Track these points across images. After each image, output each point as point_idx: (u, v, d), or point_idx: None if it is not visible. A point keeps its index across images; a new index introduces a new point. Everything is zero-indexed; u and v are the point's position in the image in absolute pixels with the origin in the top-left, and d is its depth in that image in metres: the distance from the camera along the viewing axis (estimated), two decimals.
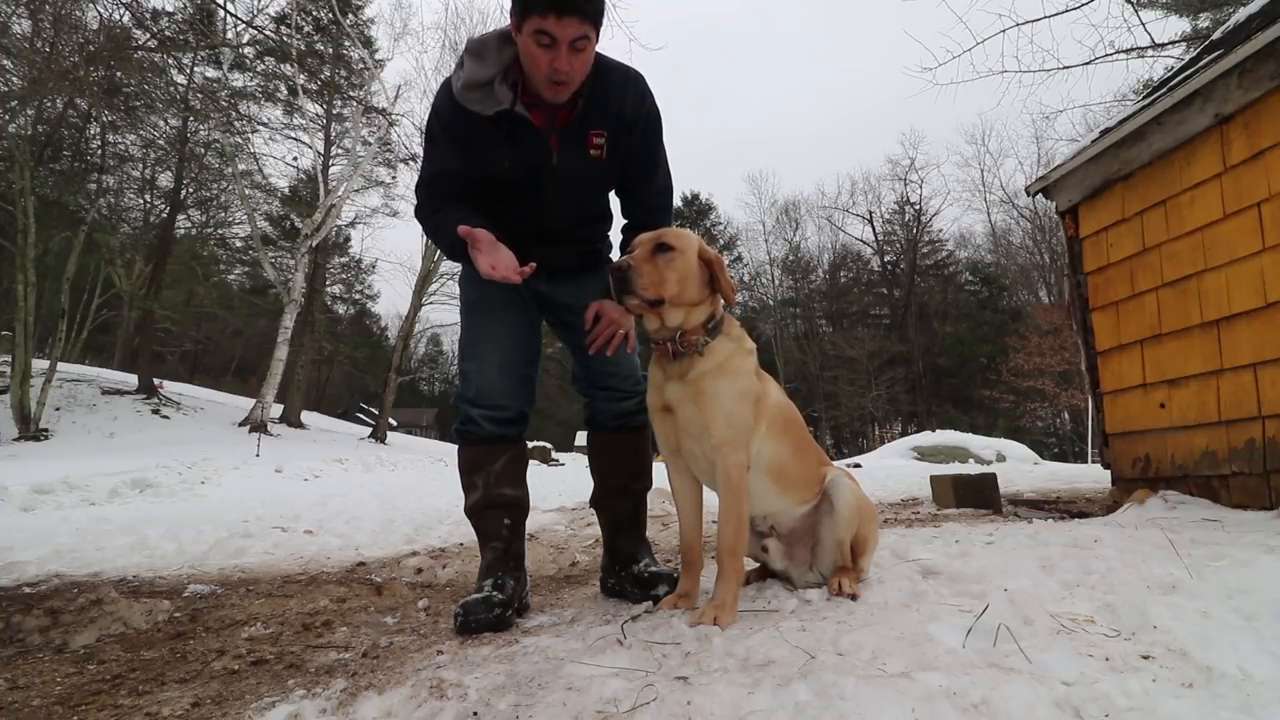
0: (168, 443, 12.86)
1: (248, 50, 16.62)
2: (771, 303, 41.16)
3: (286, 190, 23.47)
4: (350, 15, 20.73)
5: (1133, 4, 10.22)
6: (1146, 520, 3.11)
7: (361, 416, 35.87)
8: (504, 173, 1.95)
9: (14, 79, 8.36)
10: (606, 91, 1.93)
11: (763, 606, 1.84)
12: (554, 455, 19.77)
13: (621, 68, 1.99)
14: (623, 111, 1.95)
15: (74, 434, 14.14)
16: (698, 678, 1.34)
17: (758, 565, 2.11)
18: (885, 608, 1.73)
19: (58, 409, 15.29)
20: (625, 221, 2.18)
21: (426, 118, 2.03)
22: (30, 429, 13.71)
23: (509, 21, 1.85)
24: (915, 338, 37.39)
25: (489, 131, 1.90)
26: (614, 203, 2.25)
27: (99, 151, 17.52)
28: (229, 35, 11.95)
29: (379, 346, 34.68)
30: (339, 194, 17.44)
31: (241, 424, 15.83)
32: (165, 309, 21.84)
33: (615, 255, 2.24)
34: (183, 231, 21.66)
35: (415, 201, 2.05)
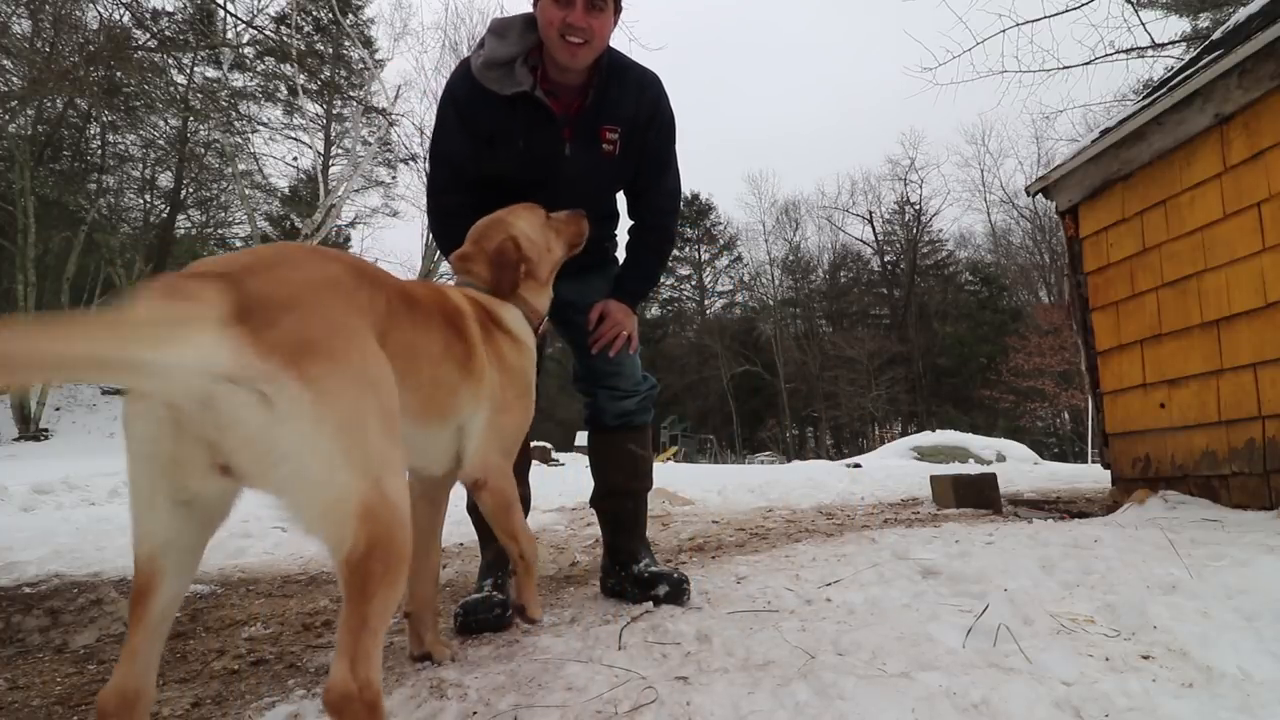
0: None
1: (248, 50, 16.65)
2: (771, 303, 41.14)
3: (286, 190, 23.51)
4: (350, 15, 20.74)
5: (1133, 4, 10.23)
6: (1146, 520, 3.11)
7: None
8: (516, 162, 1.95)
9: (14, 79, 8.36)
10: (623, 89, 1.95)
11: (763, 606, 1.84)
12: (554, 455, 19.76)
13: (639, 67, 2.01)
14: (638, 110, 1.97)
15: (74, 434, 14.15)
16: (698, 678, 1.34)
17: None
18: (885, 608, 1.73)
19: (58, 409, 15.29)
20: (633, 222, 2.19)
21: (440, 97, 2.02)
22: (30, 429, 13.72)
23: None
24: (915, 338, 37.38)
25: (504, 114, 1.89)
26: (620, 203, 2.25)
27: (99, 151, 17.55)
28: (229, 35, 11.94)
29: None
30: (339, 194, 17.42)
31: None
32: None
33: (620, 255, 2.26)
34: (183, 231, 21.68)
35: (428, 177, 2.05)
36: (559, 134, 1.93)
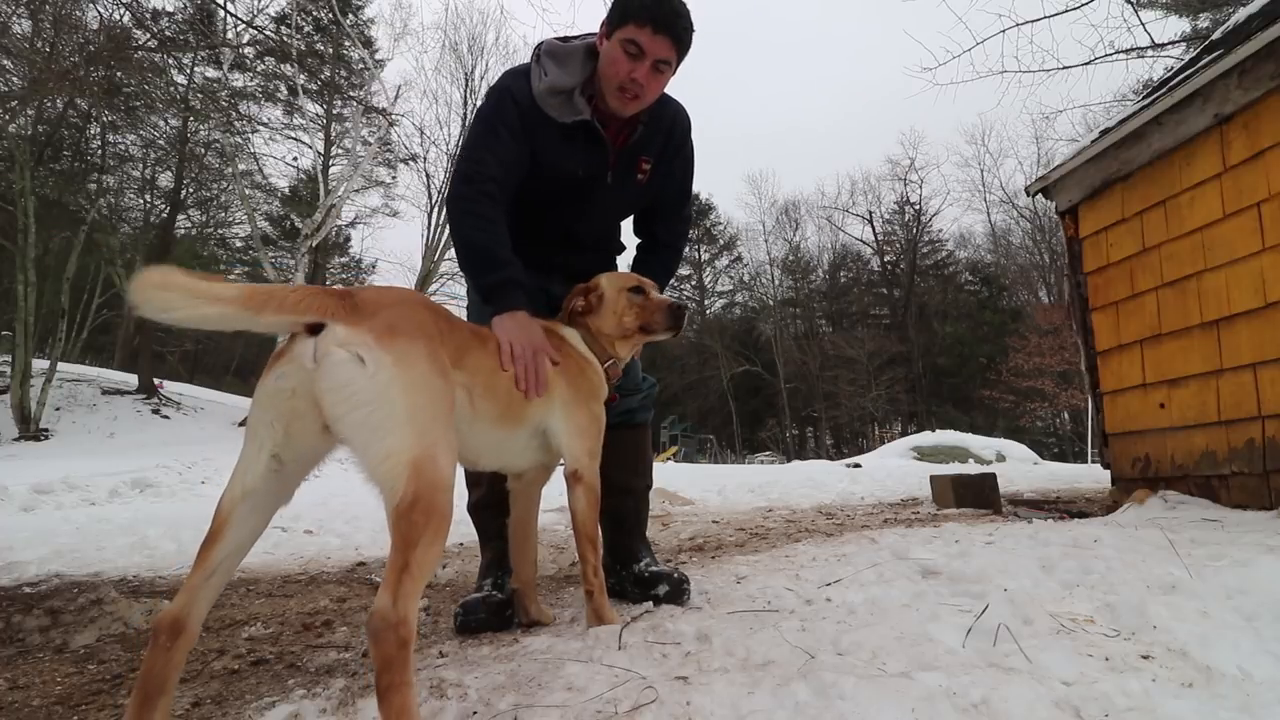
0: (168, 443, 12.87)
1: (248, 50, 16.63)
2: (771, 303, 41.12)
3: (286, 190, 23.50)
4: (350, 15, 20.73)
5: (1133, 4, 10.22)
6: (1146, 520, 3.11)
7: None
8: (561, 184, 2.01)
9: (14, 79, 8.35)
10: (659, 120, 2.06)
11: (763, 606, 1.84)
12: None
13: (674, 102, 2.13)
14: (669, 141, 2.10)
15: (74, 434, 14.15)
16: (698, 678, 1.34)
17: None
18: (885, 608, 1.73)
19: (58, 409, 15.29)
20: (648, 240, 2.30)
21: (487, 104, 1.97)
22: (30, 429, 13.71)
23: (597, 31, 1.94)
24: (915, 338, 37.34)
25: (561, 140, 1.95)
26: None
27: (99, 151, 17.51)
28: (229, 35, 11.92)
29: None
30: (339, 194, 17.44)
31: (241, 424, 15.78)
32: None
33: (620, 266, 2.35)
34: (183, 231, 21.69)
35: (463, 178, 1.90)
36: (606, 162, 2.01)
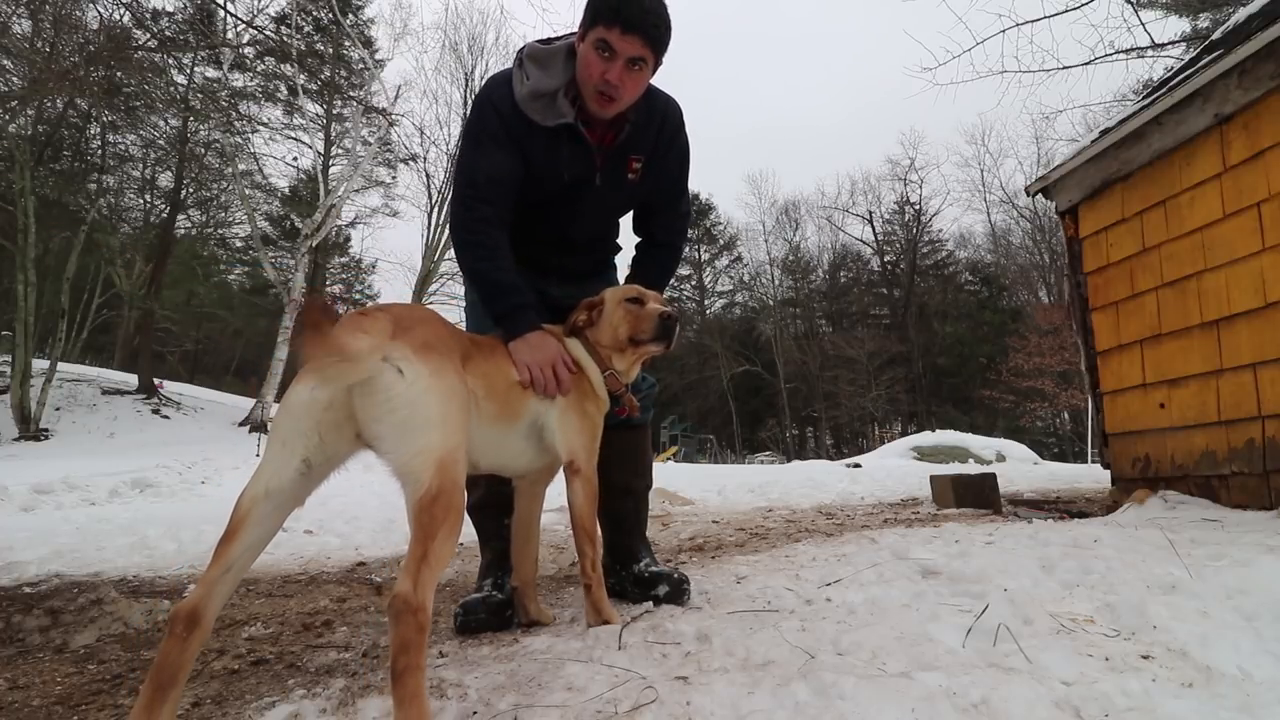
0: (168, 443, 12.86)
1: (248, 50, 16.62)
2: (771, 303, 41.11)
3: (286, 190, 23.51)
4: (350, 15, 20.73)
5: (1133, 4, 10.22)
6: (1146, 520, 3.11)
7: None
8: (553, 184, 1.98)
9: (14, 79, 8.35)
10: (648, 118, 2.02)
11: (763, 606, 1.84)
12: None
13: (664, 96, 2.08)
14: (660, 138, 2.05)
15: (74, 434, 14.14)
16: (698, 678, 1.34)
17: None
18: (885, 608, 1.73)
19: (58, 409, 15.28)
20: (645, 239, 2.27)
21: (471, 116, 2.00)
22: (30, 429, 13.70)
23: (576, 32, 1.91)
24: (915, 338, 37.34)
25: (546, 144, 1.93)
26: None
27: (99, 151, 17.50)
28: (229, 35, 11.91)
29: None
30: (339, 194, 17.44)
31: (241, 424, 15.82)
32: (165, 309, 21.87)
33: (619, 266, 2.35)
34: (183, 231, 21.67)
35: (460, 203, 1.94)
36: (592, 164, 1.98)
